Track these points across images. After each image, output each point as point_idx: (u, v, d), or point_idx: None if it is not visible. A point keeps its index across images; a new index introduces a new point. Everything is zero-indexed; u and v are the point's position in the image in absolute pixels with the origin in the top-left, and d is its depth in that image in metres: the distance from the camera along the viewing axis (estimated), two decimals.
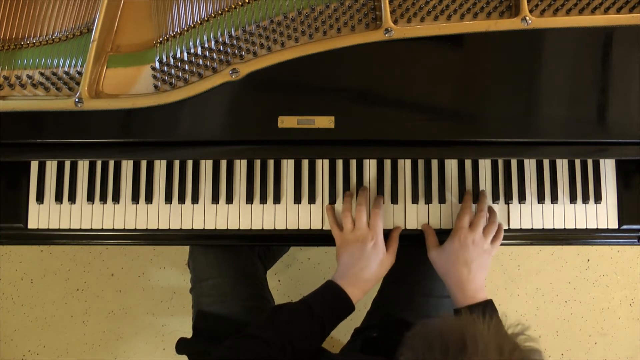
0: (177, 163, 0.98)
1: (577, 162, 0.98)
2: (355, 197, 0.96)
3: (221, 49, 0.88)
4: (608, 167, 0.97)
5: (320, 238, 0.97)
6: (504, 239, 0.98)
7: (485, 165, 0.98)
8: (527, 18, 0.87)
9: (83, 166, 0.98)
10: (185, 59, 0.89)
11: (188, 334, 1.02)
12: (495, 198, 0.97)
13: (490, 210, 0.95)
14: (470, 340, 0.57)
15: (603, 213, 0.97)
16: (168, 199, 0.96)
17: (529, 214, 0.97)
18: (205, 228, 0.96)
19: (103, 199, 0.97)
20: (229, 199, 0.97)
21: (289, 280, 1.63)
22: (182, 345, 0.98)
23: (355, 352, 1.02)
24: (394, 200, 0.97)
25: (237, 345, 0.81)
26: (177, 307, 1.61)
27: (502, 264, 1.64)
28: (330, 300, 0.87)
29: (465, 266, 0.88)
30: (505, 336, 0.61)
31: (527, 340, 0.62)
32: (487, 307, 0.87)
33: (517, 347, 0.60)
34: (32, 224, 0.97)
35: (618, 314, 1.63)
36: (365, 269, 0.89)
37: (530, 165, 0.98)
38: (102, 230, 0.97)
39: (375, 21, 0.89)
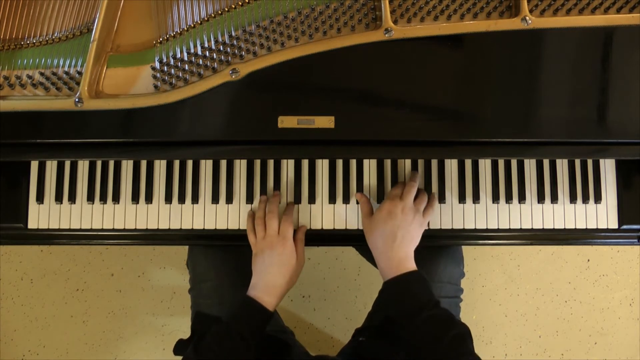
0: (177, 163, 0.98)
1: (577, 162, 0.98)
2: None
3: (221, 49, 0.88)
4: (608, 167, 0.98)
5: (319, 238, 0.97)
6: (504, 239, 0.98)
7: (485, 165, 0.98)
8: (527, 18, 0.87)
9: (83, 166, 0.98)
10: (185, 59, 0.89)
11: (188, 334, 1.01)
12: (495, 198, 0.97)
13: (420, 189, 0.95)
14: None
15: (603, 213, 0.97)
16: (168, 199, 0.96)
17: (529, 214, 0.97)
18: (205, 228, 0.97)
19: (103, 199, 0.97)
20: (229, 199, 0.97)
21: None
22: (180, 347, 0.98)
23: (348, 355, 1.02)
24: None
25: None
26: (177, 307, 1.61)
27: (502, 264, 1.64)
28: (246, 315, 0.87)
29: (391, 235, 0.87)
30: None
31: None
32: (412, 278, 0.85)
33: None
34: (32, 224, 0.97)
35: (618, 314, 1.63)
36: (277, 276, 0.90)
37: (530, 165, 0.98)
38: (102, 230, 0.97)
39: (375, 21, 0.89)
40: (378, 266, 0.89)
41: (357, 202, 0.96)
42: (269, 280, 0.89)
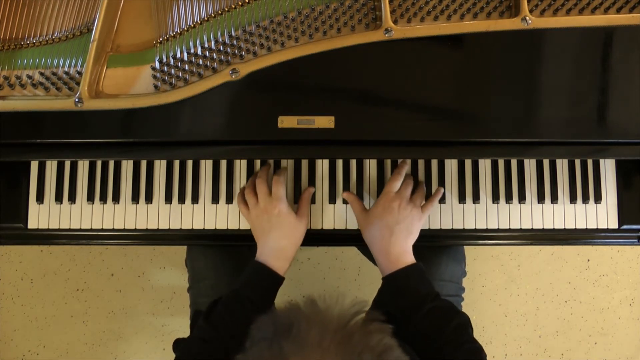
0: (177, 163, 0.98)
1: (577, 162, 0.98)
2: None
3: (221, 49, 0.88)
4: (608, 167, 0.97)
5: (319, 238, 0.98)
6: (504, 239, 0.98)
7: (485, 165, 0.98)
8: (527, 18, 0.87)
9: (83, 166, 0.98)
10: (185, 59, 0.89)
11: (188, 333, 1.01)
12: (495, 198, 0.97)
13: (421, 183, 0.96)
14: (296, 323, 0.55)
15: (603, 213, 0.97)
16: (168, 199, 0.96)
17: (529, 214, 0.97)
18: (205, 228, 0.96)
19: (103, 199, 0.97)
20: (229, 199, 0.97)
21: (288, 280, 1.61)
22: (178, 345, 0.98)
23: None
24: None
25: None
26: (177, 307, 1.61)
27: (502, 264, 1.64)
28: (255, 279, 0.87)
29: (388, 229, 0.87)
30: (335, 319, 0.57)
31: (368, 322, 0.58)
32: (411, 272, 0.85)
33: (344, 328, 0.56)
34: (32, 224, 0.97)
35: (618, 314, 1.63)
36: (280, 239, 0.89)
37: (530, 165, 0.98)
38: (102, 230, 0.97)
39: (375, 21, 0.89)
40: (377, 262, 0.89)
41: (344, 202, 0.96)
42: (273, 245, 0.89)
